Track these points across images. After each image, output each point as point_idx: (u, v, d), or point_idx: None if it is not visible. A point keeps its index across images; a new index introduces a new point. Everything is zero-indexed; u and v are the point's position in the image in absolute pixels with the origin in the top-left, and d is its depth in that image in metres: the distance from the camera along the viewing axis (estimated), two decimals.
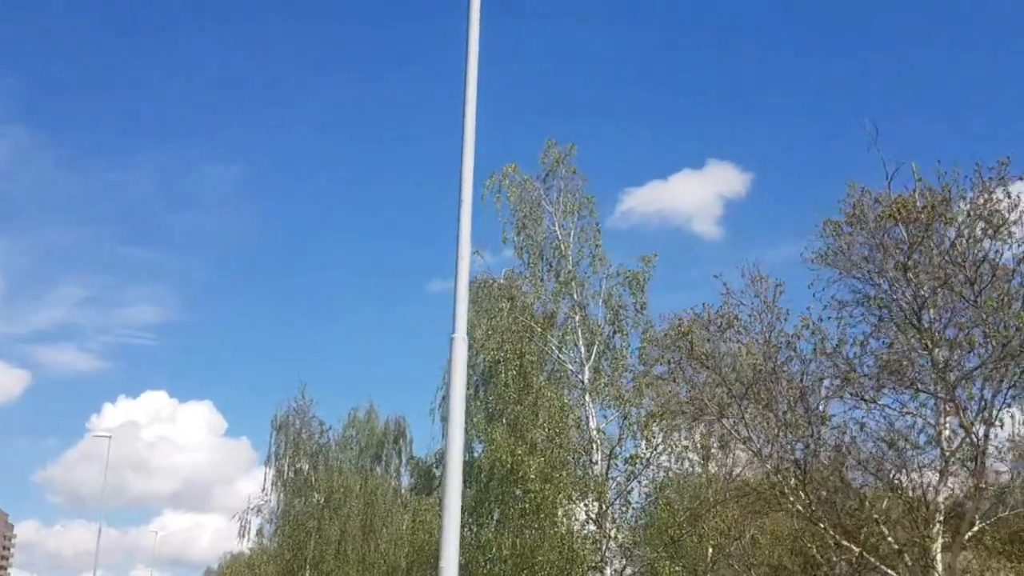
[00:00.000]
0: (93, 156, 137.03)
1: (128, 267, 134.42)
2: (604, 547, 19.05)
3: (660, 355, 14.49)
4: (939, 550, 11.40)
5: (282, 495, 36.40)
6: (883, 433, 11.78)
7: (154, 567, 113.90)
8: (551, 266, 22.59)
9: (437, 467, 31.50)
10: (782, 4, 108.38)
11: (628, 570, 19.94)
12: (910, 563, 11.44)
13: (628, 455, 19.50)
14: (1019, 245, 11.39)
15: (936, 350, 11.33)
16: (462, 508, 23.95)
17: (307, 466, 36.30)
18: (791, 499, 11.80)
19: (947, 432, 11.82)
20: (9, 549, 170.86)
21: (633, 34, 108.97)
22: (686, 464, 20.99)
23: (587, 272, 22.15)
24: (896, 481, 11.97)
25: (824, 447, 11.85)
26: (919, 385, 11.47)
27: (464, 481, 26.45)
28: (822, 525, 11.82)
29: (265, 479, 37.23)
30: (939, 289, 11.11)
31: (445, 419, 30.48)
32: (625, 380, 20.42)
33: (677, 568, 18.09)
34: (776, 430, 11.64)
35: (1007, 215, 11.42)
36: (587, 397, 20.80)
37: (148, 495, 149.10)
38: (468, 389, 28.08)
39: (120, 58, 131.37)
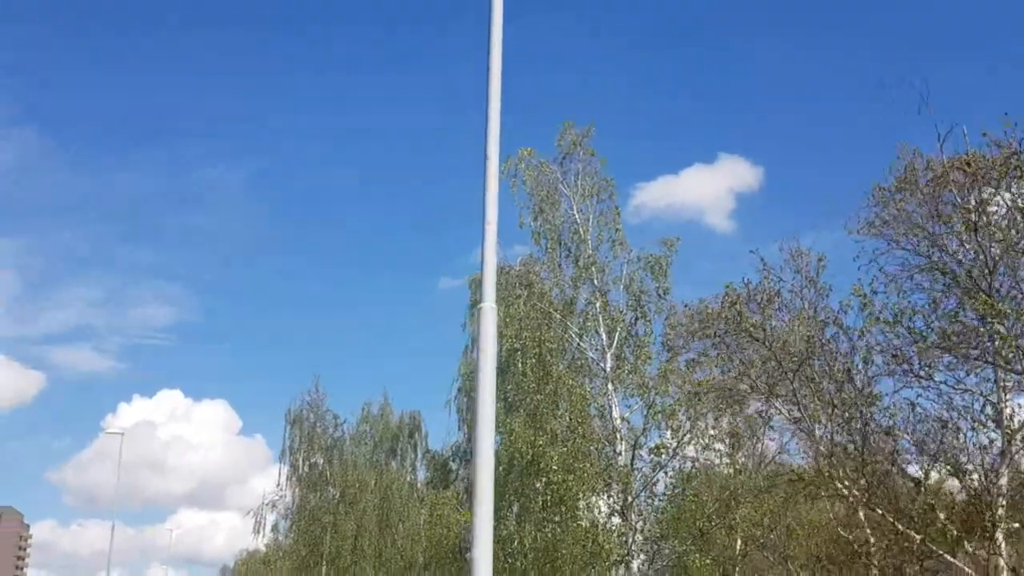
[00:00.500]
0: (102, 157, 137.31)
1: (139, 268, 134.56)
2: (630, 540, 18.42)
3: (704, 328, 13.70)
4: (1004, 537, 10.69)
5: (297, 490, 35.91)
6: (940, 412, 11.07)
7: (170, 565, 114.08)
8: (569, 251, 22.00)
9: (453, 460, 30.94)
10: None
11: (655, 564, 19.30)
12: (971, 550, 10.77)
13: (653, 445, 18.86)
14: None
15: (1005, 320, 10.59)
16: None
17: (322, 460, 35.80)
18: (845, 483, 11.10)
19: (1009, 410, 11.09)
20: (25, 550, 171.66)
21: (642, 29, 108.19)
22: (711, 454, 20.38)
23: (607, 257, 21.58)
24: (955, 463, 11.25)
25: (875, 429, 11.14)
26: (987, 357, 10.75)
27: None
28: (878, 511, 11.13)
29: (280, 474, 36.75)
30: (1009, 250, 10.40)
31: (461, 410, 29.99)
32: (649, 368, 19.78)
33: (708, 561, 17.45)
34: (830, 408, 10.92)
35: None
36: (609, 386, 20.18)
37: (164, 494, 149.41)
38: None
39: (128, 59, 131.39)
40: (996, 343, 10.64)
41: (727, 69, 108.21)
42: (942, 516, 11.10)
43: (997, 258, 10.68)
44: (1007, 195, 10.60)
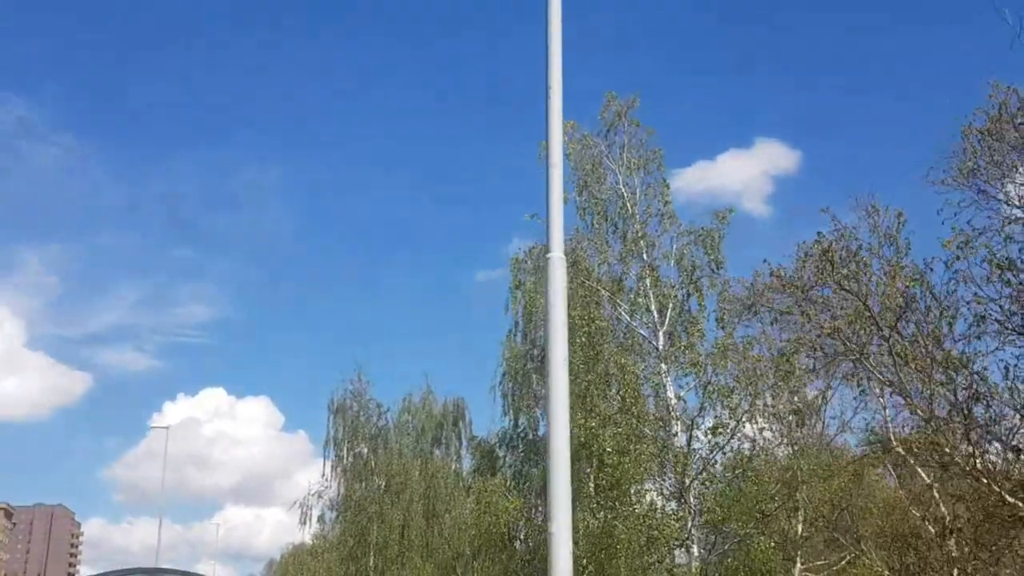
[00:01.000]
0: (140, 160, 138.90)
1: (178, 268, 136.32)
2: (689, 523, 17.65)
3: (784, 287, 12.80)
4: None
5: (342, 480, 35.56)
6: None
7: (217, 560, 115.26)
8: (616, 227, 21.23)
9: (500, 447, 30.27)
10: None
11: (716, 548, 18.50)
12: None
13: (711, 425, 18.02)
14: None
15: None
16: (531, 489, 22.57)
17: (366, 450, 35.38)
18: (949, 452, 10.24)
19: None
20: (77, 547, 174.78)
21: (679, 15, 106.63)
22: (768, 434, 19.54)
23: (656, 231, 20.77)
24: None
25: (975, 394, 10.24)
26: None
27: (531, 460, 25.03)
28: (985, 480, 10.25)
29: (324, 465, 36.44)
30: None
31: (507, 396, 29.13)
32: (704, 345, 18.96)
33: (772, 544, 16.64)
34: (931, 370, 10.06)
35: None
36: (663, 365, 19.38)
37: (209, 489, 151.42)
38: (530, 363, 27.09)
39: (166, 63, 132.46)
40: None
41: (763, 54, 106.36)
42: None
43: None
44: None
